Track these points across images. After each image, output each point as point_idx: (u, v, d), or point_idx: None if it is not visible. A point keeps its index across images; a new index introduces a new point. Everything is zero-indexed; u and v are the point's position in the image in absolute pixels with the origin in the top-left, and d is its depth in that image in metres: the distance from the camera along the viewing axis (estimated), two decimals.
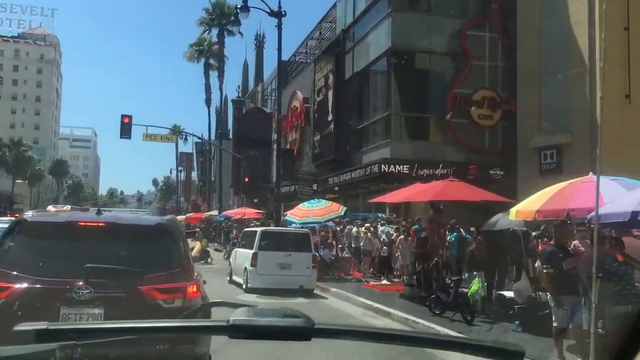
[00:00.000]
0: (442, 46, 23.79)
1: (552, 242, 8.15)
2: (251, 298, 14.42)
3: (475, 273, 10.80)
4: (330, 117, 29.40)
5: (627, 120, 17.07)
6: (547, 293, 8.09)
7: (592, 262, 6.21)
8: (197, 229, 28.99)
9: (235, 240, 20.61)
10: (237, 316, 1.30)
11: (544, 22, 21.42)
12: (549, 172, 19.97)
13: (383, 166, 22.20)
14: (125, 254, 5.37)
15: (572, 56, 19.95)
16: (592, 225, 7.21)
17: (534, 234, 14.13)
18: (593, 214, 6.96)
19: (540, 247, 13.56)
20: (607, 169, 7.01)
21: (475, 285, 10.56)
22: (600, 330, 7.79)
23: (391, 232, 19.00)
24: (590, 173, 8.44)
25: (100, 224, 5.47)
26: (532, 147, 21.25)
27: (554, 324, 7.57)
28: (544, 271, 7.79)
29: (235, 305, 1.61)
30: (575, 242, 9.56)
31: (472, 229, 15.72)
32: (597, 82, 18.41)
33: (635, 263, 7.41)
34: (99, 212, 5.74)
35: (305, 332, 1.26)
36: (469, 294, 10.66)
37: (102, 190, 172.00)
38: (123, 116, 31.09)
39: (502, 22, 23.52)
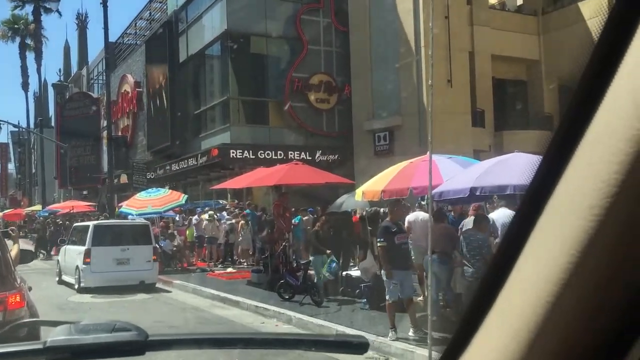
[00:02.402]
0: (278, 30, 23.75)
1: (388, 219, 8.44)
2: (85, 299, 13.30)
3: (328, 252, 10.82)
4: (164, 102, 28.07)
5: (448, 104, 18.43)
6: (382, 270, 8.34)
7: (452, 237, 6.42)
8: (13, 227, 26.12)
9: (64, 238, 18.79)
10: (56, 336, 1.11)
11: (373, 9, 22.32)
12: (383, 153, 21.00)
13: (223, 152, 21.71)
14: None
15: (400, 43, 21.03)
16: (426, 202, 7.53)
17: (363, 213, 14.54)
18: (433, 191, 7.29)
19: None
20: (433, 149, 7.32)
21: (324, 267, 10.62)
22: (441, 302, 8.26)
23: (223, 218, 18.75)
24: (428, 152, 8.83)
25: None
26: (366, 129, 22.16)
27: (387, 298, 7.87)
28: (378, 244, 8.06)
29: (55, 323, 1.32)
30: (409, 217, 9.93)
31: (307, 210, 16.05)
32: (422, 68, 19.67)
33: None
34: None
35: (137, 346, 1.12)
36: (319, 275, 10.69)
37: None
38: None
39: (335, 8, 24.07)
